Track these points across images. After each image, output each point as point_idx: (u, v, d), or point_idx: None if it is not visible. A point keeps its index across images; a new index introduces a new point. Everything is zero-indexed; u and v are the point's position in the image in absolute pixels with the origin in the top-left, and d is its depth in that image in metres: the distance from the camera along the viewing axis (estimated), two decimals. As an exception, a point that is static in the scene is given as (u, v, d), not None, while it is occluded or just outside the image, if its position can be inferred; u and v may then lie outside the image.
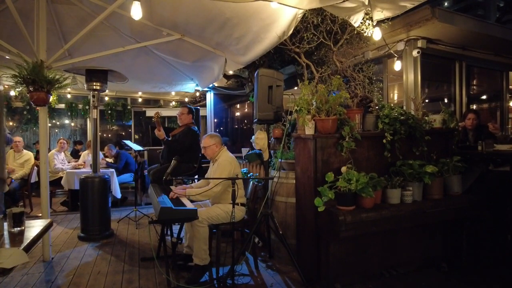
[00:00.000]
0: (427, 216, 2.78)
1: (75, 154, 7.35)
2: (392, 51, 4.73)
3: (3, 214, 1.84)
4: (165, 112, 8.91)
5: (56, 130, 8.95)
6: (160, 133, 3.90)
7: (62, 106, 8.45)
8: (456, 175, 2.95)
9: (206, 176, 3.37)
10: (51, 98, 3.45)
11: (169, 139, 4.03)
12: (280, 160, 3.51)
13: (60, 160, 6.12)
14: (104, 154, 6.46)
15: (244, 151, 5.58)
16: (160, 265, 3.13)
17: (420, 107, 3.29)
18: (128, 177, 6.18)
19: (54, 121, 8.85)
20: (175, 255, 3.18)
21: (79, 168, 5.82)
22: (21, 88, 3.14)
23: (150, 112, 8.77)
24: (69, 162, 6.41)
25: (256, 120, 3.34)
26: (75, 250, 3.69)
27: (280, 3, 2.84)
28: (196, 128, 4.33)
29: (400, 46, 4.70)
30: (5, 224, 1.80)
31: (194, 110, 4.42)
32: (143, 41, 4.12)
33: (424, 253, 3.09)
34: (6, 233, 1.77)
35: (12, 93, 7.31)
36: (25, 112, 8.10)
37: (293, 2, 2.85)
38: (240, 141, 9.53)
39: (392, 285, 2.77)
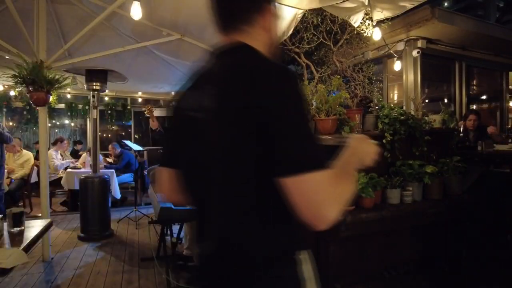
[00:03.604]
0: (427, 216, 2.78)
1: (75, 154, 7.35)
2: (392, 51, 4.73)
3: (3, 214, 1.85)
4: (165, 112, 8.90)
5: (56, 130, 8.95)
6: (154, 123, 3.99)
7: (62, 106, 8.45)
8: (456, 176, 2.95)
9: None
10: (51, 98, 3.45)
11: (162, 130, 4.08)
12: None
13: (58, 159, 6.12)
14: (105, 154, 6.47)
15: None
16: (160, 265, 3.13)
17: (420, 107, 3.29)
18: (128, 177, 6.18)
19: (54, 121, 8.85)
20: (175, 255, 3.18)
21: (78, 168, 5.82)
22: (21, 88, 3.15)
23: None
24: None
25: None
26: (75, 250, 3.69)
27: (280, 3, 2.84)
28: None
29: (400, 46, 4.71)
30: (5, 224, 1.80)
31: None
32: (143, 41, 4.12)
33: (424, 253, 3.09)
34: (6, 233, 1.77)
35: (12, 93, 7.31)
36: (25, 112, 8.09)
37: (293, 2, 2.86)
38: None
39: (392, 285, 2.77)
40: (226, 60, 0.83)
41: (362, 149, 0.84)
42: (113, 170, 5.66)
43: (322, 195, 0.69)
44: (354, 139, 0.86)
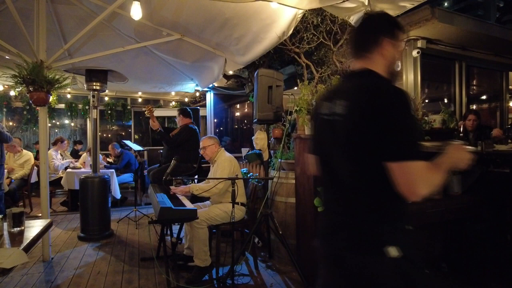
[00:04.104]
0: (427, 216, 2.77)
1: (75, 154, 7.35)
2: (392, 51, 4.72)
3: (3, 214, 1.85)
4: (165, 112, 8.91)
5: (56, 130, 8.95)
6: (154, 124, 3.98)
7: (62, 106, 8.45)
8: (456, 175, 2.95)
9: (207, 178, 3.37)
10: (51, 98, 3.45)
11: (163, 130, 4.08)
12: (280, 160, 3.51)
13: (58, 159, 6.12)
14: (105, 154, 6.47)
15: (244, 151, 5.58)
16: (160, 265, 3.13)
17: (420, 107, 3.29)
18: (128, 177, 6.18)
19: (54, 121, 8.85)
20: (175, 255, 3.18)
21: (78, 168, 5.83)
22: (21, 88, 3.14)
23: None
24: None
25: (256, 120, 3.34)
26: (75, 250, 3.70)
27: (280, 3, 2.84)
28: (196, 127, 4.33)
29: (400, 46, 4.70)
30: (5, 224, 1.80)
31: (189, 110, 4.43)
32: (143, 41, 4.12)
33: (424, 253, 3.09)
34: (6, 233, 1.77)
35: (12, 93, 7.31)
36: (25, 112, 8.09)
37: (293, 2, 2.86)
38: (240, 141, 9.52)
39: (392, 285, 2.77)
40: (353, 81, 1.19)
41: (458, 155, 1.11)
42: (113, 170, 5.66)
43: (417, 177, 0.99)
44: (452, 146, 1.13)
